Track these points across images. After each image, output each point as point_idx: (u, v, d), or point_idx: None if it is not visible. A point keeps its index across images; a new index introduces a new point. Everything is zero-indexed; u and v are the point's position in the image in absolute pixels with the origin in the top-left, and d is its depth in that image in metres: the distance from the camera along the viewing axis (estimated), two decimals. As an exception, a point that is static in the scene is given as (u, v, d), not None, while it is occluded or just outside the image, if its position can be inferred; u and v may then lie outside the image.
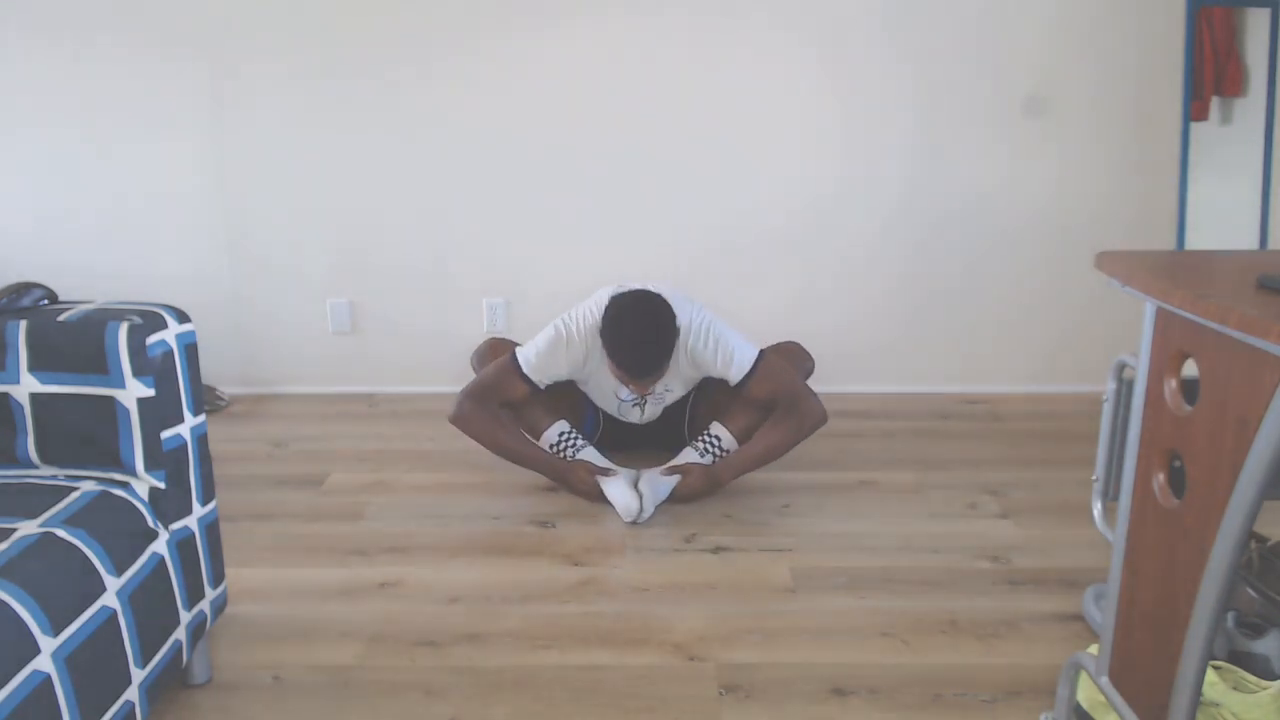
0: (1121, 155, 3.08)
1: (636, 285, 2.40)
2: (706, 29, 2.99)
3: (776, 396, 2.38)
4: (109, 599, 1.30)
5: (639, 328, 2.25)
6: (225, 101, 3.05)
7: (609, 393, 2.49)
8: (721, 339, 2.36)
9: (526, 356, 2.39)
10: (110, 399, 1.44)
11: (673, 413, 2.59)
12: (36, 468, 1.50)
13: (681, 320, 2.35)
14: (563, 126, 3.07)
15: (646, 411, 2.55)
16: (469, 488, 2.49)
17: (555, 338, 2.37)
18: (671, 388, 2.49)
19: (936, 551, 2.13)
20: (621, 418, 2.58)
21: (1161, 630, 1.15)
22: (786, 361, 2.51)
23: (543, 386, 2.40)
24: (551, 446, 2.46)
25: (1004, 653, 1.74)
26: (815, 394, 2.42)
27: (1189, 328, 1.09)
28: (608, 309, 2.30)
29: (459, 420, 2.41)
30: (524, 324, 3.14)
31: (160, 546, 1.45)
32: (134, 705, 1.34)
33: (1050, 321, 3.21)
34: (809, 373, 2.62)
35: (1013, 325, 3.22)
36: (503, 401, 2.40)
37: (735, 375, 2.36)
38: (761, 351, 2.39)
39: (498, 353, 2.51)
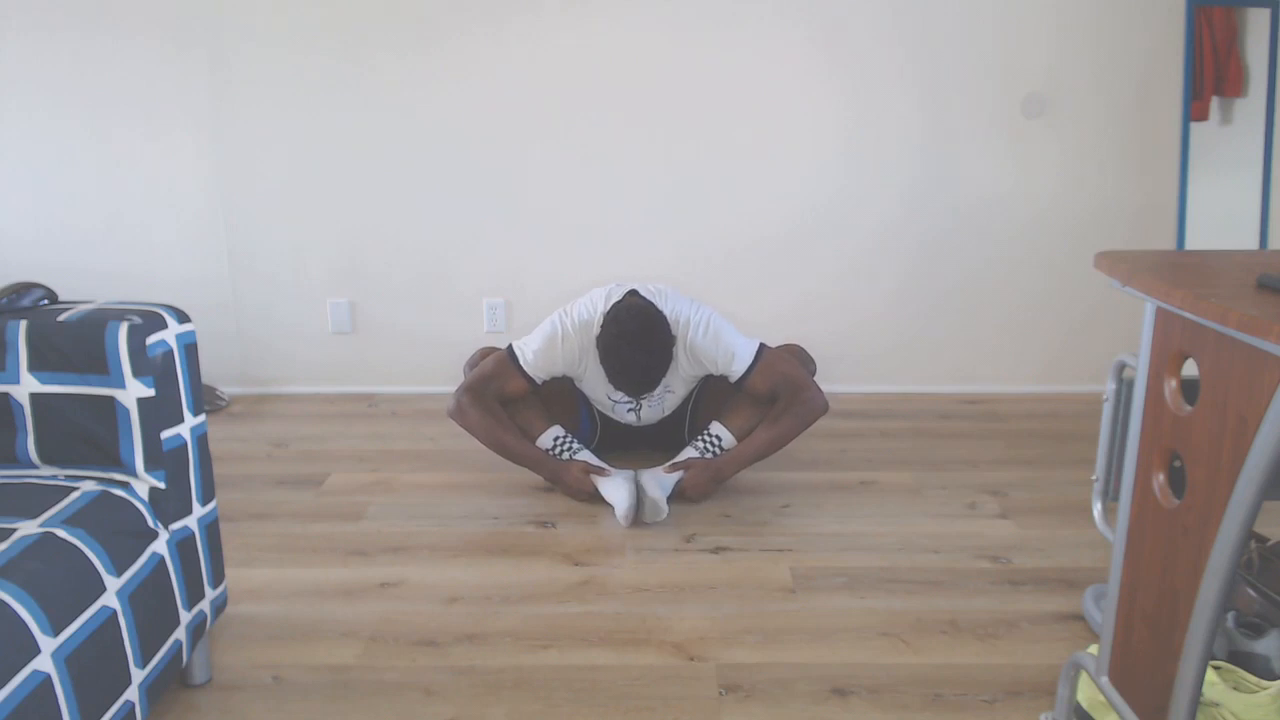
0: (1121, 155, 3.08)
1: (633, 285, 2.41)
2: (711, 31, 2.99)
3: (777, 388, 2.38)
4: (109, 599, 1.30)
5: (635, 350, 2.24)
6: (225, 102, 3.05)
7: (603, 392, 2.50)
8: (721, 334, 2.37)
9: (523, 351, 2.39)
10: (110, 399, 1.44)
11: (672, 414, 2.59)
12: (36, 468, 1.50)
13: (680, 315, 2.36)
14: (564, 127, 3.07)
15: (643, 415, 2.55)
16: (469, 488, 2.49)
17: (551, 333, 2.38)
18: (672, 388, 2.49)
19: (936, 551, 2.13)
20: (616, 418, 2.58)
21: (1161, 630, 1.15)
22: (787, 354, 2.51)
23: (539, 382, 2.40)
24: (547, 452, 2.45)
25: (1004, 653, 1.74)
26: (816, 383, 2.42)
27: (1189, 328, 1.09)
28: (604, 328, 2.29)
29: (456, 414, 2.40)
30: (524, 325, 3.14)
31: (160, 546, 1.45)
32: (134, 705, 1.34)
33: (1050, 322, 3.21)
34: (811, 374, 2.62)
35: (1013, 325, 3.22)
36: (500, 396, 2.40)
37: (737, 370, 2.36)
38: (761, 345, 2.39)
39: None
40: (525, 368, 2.38)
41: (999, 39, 3.00)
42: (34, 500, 1.36)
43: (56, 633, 1.18)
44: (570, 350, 2.38)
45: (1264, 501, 0.98)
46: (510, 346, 2.42)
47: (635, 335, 2.24)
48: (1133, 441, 1.21)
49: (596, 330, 2.33)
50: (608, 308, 2.34)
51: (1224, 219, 3.11)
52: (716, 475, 2.38)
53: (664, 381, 2.41)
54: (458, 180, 3.12)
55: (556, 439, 2.45)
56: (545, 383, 2.43)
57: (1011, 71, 3.02)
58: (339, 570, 2.06)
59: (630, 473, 2.37)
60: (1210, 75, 3.03)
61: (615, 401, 2.52)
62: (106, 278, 3.15)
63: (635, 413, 2.54)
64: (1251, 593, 1.58)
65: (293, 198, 3.14)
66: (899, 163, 3.10)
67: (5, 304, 1.50)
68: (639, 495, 2.28)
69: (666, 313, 2.33)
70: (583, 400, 2.57)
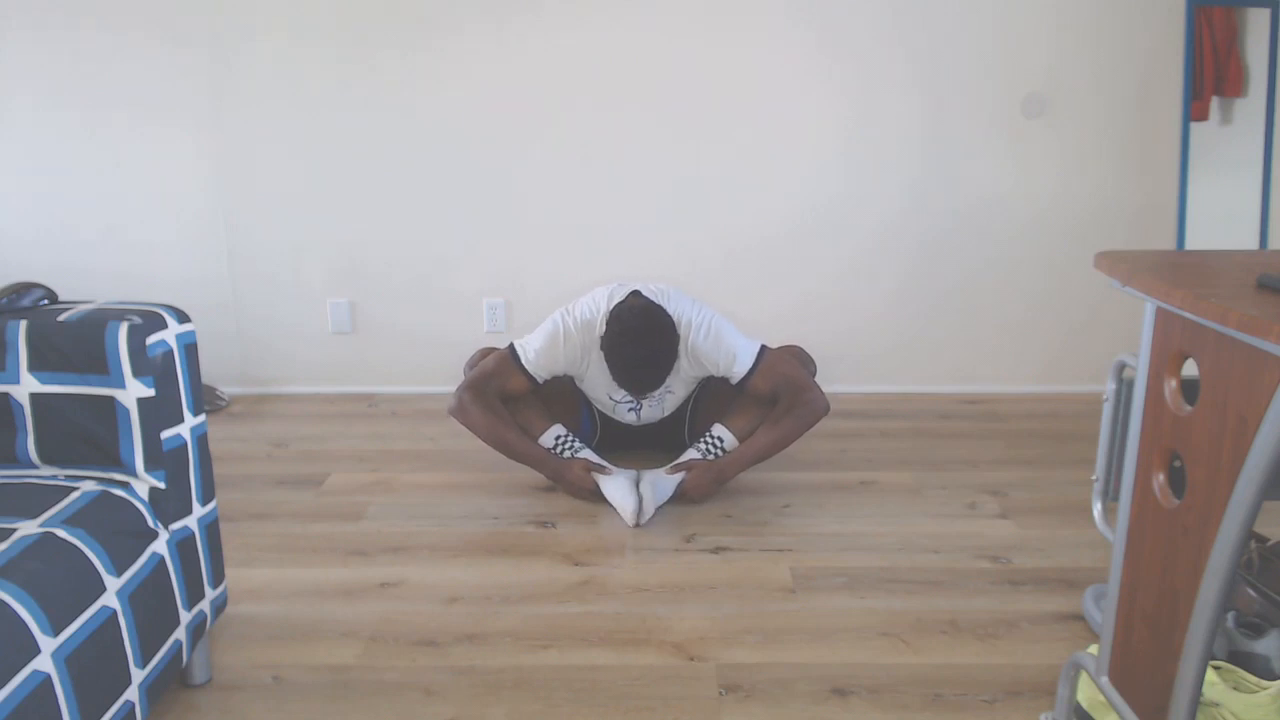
0: (1121, 155, 3.08)
1: (636, 285, 2.40)
2: (711, 31, 2.99)
3: (779, 389, 2.38)
4: (109, 599, 1.30)
5: (639, 348, 2.24)
6: (225, 102, 3.05)
7: (604, 392, 2.49)
8: (723, 336, 2.36)
9: (524, 350, 2.39)
10: (110, 399, 1.44)
11: (672, 414, 2.59)
12: (36, 468, 1.50)
13: (682, 316, 2.36)
14: (564, 127, 3.07)
15: (643, 415, 2.55)
16: (469, 488, 2.49)
17: (553, 332, 2.37)
18: (673, 388, 2.49)
19: (936, 551, 2.13)
20: (616, 418, 2.58)
21: (1161, 630, 1.15)
22: (787, 354, 2.51)
23: (540, 381, 2.40)
24: (549, 451, 2.45)
25: (1004, 653, 1.74)
26: (817, 385, 2.42)
27: (1189, 328, 1.09)
28: (608, 326, 2.29)
29: (457, 412, 2.40)
30: (524, 325, 3.14)
31: (160, 546, 1.45)
32: (134, 705, 1.34)
33: (1050, 322, 3.21)
34: (811, 375, 2.62)
35: (1013, 325, 3.22)
36: (501, 394, 2.40)
37: (738, 372, 2.36)
38: (762, 347, 2.39)
39: None
40: (527, 366, 2.38)
41: (999, 39, 3.00)
42: (34, 500, 1.36)
43: (56, 633, 1.18)
44: (572, 349, 2.38)
45: (1264, 501, 0.98)
46: (512, 345, 2.42)
47: (640, 333, 2.24)
48: (1133, 441, 1.21)
49: (599, 330, 2.33)
50: (610, 307, 2.34)
51: (1224, 219, 3.11)
52: (719, 476, 2.38)
53: (665, 382, 2.41)
54: (458, 180, 3.12)
55: (558, 438, 2.45)
56: (546, 382, 2.43)
57: (1011, 71, 3.02)
58: (339, 570, 2.06)
59: (633, 472, 2.37)
60: (1210, 75, 3.03)
61: (616, 402, 2.51)
62: (106, 278, 3.15)
63: (635, 412, 2.54)
64: (1251, 593, 1.58)
65: (293, 198, 3.14)
66: (899, 163, 3.10)
67: (5, 304, 1.50)
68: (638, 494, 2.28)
69: (669, 312, 2.33)
70: (583, 400, 2.57)
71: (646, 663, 1.72)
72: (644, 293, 2.37)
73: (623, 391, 2.41)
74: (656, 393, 2.47)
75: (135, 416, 1.44)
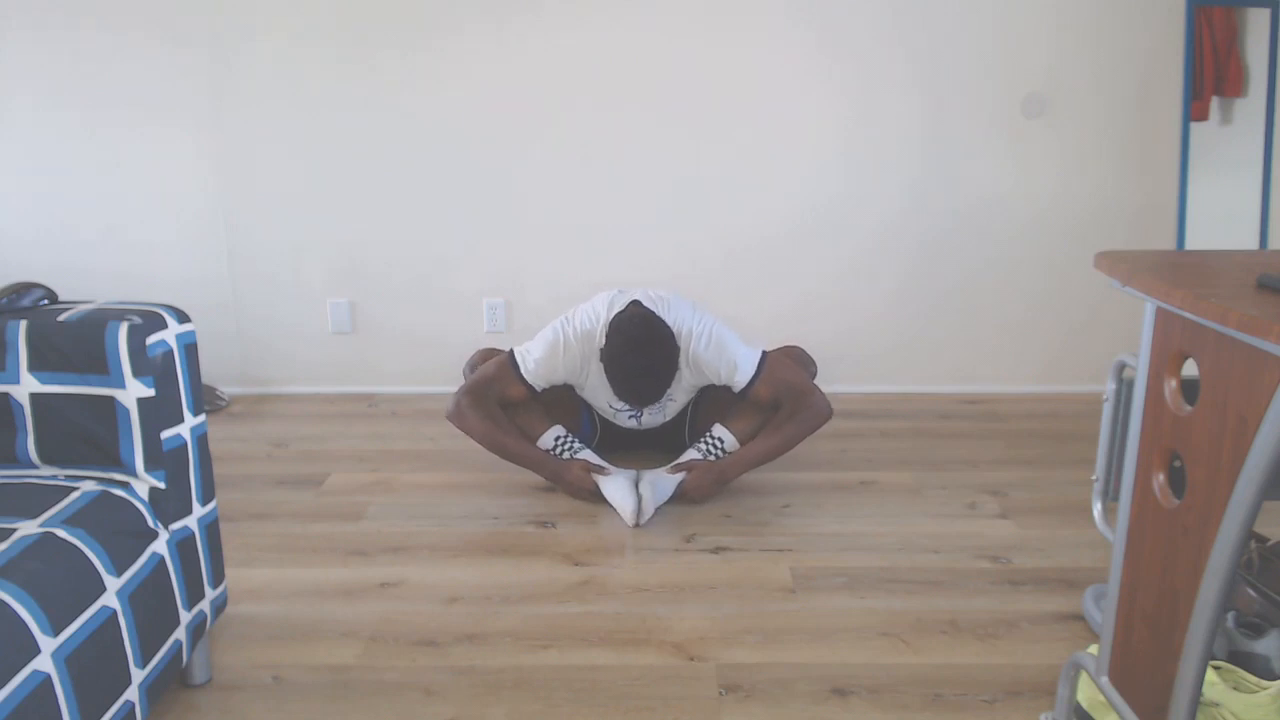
0: (1121, 155, 3.08)
1: (636, 293, 2.40)
2: (711, 31, 2.99)
3: (781, 396, 2.37)
4: (109, 599, 1.30)
5: (640, 359, 2.22)
6: (225, 102, 3.05)
7: (604, 401, 2.49)
8: (724, 346, 2.35)
9: (524, 359, 2.38)
10: (110, 399, 1.44)
11: (672, 418, 2.58)
12: (36, 468, 1.50)
13: (682, 326, 2.35)
14: (564, 127, 3.07)
15: (644, 421, 2.54)
16: (469, 488, 2.49)
17: (554, 342, 2.37)
18: (674, 396, 2.48)
19: (936, 551, 2.13)
20: (617, 423, 2.58)
21: (1161, 630, 1.15)
22: (789, 359, 2.50)
23: (539, 390, 2.40)
24: (548, 452, 2.45)
25: (1004, 653, 1.74)
26: (819, 389, 2.42)
27: (1189, 328, 1.09)
28: (608, 337, 2.28)
29: (455, 417, 2.40)
30: (524, 325, 3.14)
31: (160, 546, 1.45)
32: (134, 705, 1.34)
33: (1050, 322, 3.21)
34: (812, 376, 2.62)
35: (1013, 325, 3.22)
36: (500, 400, 2.40)
37: (740, 381, 2.35)
38: (764, 354, 2.39)
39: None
40: (526, 376, 2.37)
41: (999, 39, 3.00)
42: (34, 500, 1.36)
43: (56, 633, 1.18)
44: (572, 359, 2.37)
45: (1264, 501, 0.98)
46: (512, 352, 2.41)
47: (640, 344, 2.23)
48: (1133, 441, 1.21)
49: (600, 340, 2.32)
50: (610, 317, 2.32)
51: (1224, 219, 3.11)
52: (720, 478, 2.37)
53: (666, 392, 2.40)
54: (458, 180, 3.12)
55: (558, 438, 2.45)
56: (545, 390, 2.42)
57: (1011, 71, 3.02)
58: (339, 570, 2.06)
59: (632, 472, 2.37)
60: (1210, 75, 3.03)
61: (617, 410, 2.51)
62: (106, 278, 3.15)
63: (636, 419, 2.53)
64: (1251, 593, 1.58)
65: (293, 198, 3.14)
66: (899, 163, 3.10)
67: (5, 304, 1.50)
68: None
69: (669, 323, 2.32)
70: (583, 401, 2.56)
71: (646, 663, 1.72)
72: (644, 301, 2.36)
73: (624, 401, 2.41)
74: (657, 403, 2.46)
75: (135, 416, 1.44)
